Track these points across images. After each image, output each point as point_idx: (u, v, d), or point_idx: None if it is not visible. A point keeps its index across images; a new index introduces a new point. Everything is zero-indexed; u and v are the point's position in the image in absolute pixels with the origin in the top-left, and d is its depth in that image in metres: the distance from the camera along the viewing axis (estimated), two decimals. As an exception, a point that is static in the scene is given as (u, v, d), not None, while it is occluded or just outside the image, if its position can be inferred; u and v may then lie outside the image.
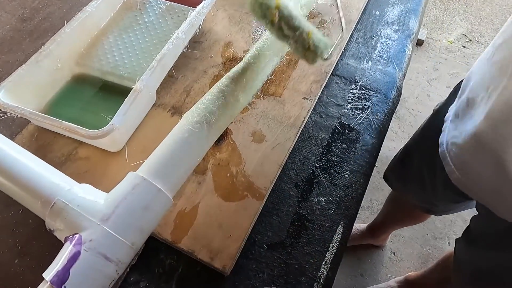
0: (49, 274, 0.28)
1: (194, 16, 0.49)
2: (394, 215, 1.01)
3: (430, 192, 0.65)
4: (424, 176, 0.64)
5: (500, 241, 0.49)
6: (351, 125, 0.50)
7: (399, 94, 0.56)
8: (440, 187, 0.61)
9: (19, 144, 0.37)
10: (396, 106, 0.56)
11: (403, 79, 0.57)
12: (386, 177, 0.81)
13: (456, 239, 0.62)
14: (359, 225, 1.20)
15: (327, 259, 0.40)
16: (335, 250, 0.41)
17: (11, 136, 0.47)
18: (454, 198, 0.62)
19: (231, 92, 0.39)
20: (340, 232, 0.42)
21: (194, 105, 0.38)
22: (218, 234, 0.39)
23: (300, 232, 0.41)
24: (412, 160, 0.68)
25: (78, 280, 0.28)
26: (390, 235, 1.20)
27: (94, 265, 0.29)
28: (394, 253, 1.22)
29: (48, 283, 0.28)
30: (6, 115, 0.42)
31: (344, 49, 0.58)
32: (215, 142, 0.41)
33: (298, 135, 0.48)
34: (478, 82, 0.43)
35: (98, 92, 0.50)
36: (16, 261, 0.39)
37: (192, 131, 0.36)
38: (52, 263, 0.29)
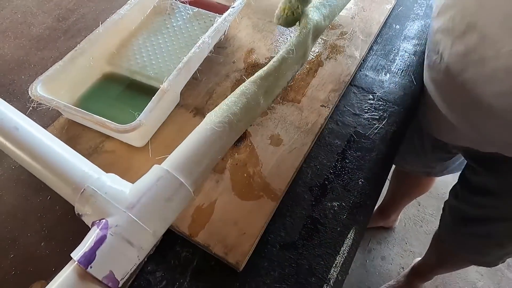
0: (77, 254, 0.30)
1: (220, 23, 0.51)
2: (401, 189, 1.09)
3: (423, 156, 0.75)
4: (415, 143, 0.73)
5: (479, 191, 0.60)
6: (366, 134, 0.51)
7: (416, 107, 0.57)
8: (429, 149, 0.71)
9: (52, 134, 0.40)
10: (413, 118, 0.57)
11: (421, 92, 0.58)
12: None
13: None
14: None
15: (337, 262, 0.41)
16: (345, 254, 0.42)
17: (44, 127, 0.49)
18: (444, 156, 0.73)
19: (253, 95, 0.40)
20: (351, 237, 0.43)
21: (215, 106, 0.40)
22: (233, 231, 0.41)
23: (312, 234, 0.43)
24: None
25: (103, 261, 0.30)
26: (399, 216, 1.25)
27: (119, 249, 0.31)
28: (403, 267, 1.22)
29: (76, 262, 0.30)
30: (41, 106, 0.45)
31: (363, 60, 0.60)
32: (234, 143, 0.43)
33: (314, 141, 0.49)
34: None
35: (126, 90, 0.52)
36: (42, 244, 0.41)
37: (215, 130, 0.37)
38: (79, 245, 0.31)
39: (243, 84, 0.41)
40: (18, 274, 0.39)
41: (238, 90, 0.41)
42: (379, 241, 1.26)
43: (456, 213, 0.69)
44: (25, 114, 0.41)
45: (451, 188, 0.71)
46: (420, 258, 1.09)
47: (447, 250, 0.84)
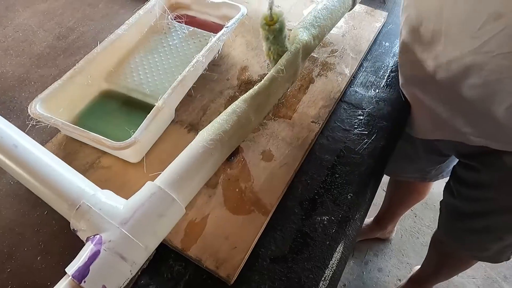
0: (71, 269, 0.31)
1: (214, 42, 0.53)
2: (397, 197, 1.10)
3: (418, 162, 0.77)
4: (408, 151, 0.74)
5: (471, 185, 0.62)
6: (356, 149, 0.53)
7: (404, 121, 0.59)
8: (422, 154, 0.73)
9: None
10: (402, 132, 0.58)
11: (410, 109, 0.60)
12: None
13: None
14: (365, 220, 1.24)
15: (326, 276, 0.42)
16: (334, 267, 0.43)
17: (42, 143, 0.51)
18: (437, 158, 0.74)
19: (244, 113, 0.42)
20: (340, 251, 0.44)
21: (209, 123, 0.42)
22: (225, 245, 0.42)
23: (302, 248, 0.44)
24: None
25: (97, 276, 0.31)
26: (395, 227, 1.27)
27: (112, 264, 0.32)
28: (400, 279, 1.22)
29: (70, 277, 0.31)
30: (40, 124, 0.46)
31: (353, 77, 0.61)
32: (227, 159, 0.44)
33: (305, 156, 0.51)
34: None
35: (123, 107, 0.54)
36: (38, 258, 0.42)
37: (206, 147, 0.39)
38: (74, 260, 0.32)
39: (234, 102, 0.43)
40: (14, 288, 0.40)
41: (229, 109, 0.43)
42: (375, 252, 1.27)
43: (452, 210, 0.70)
44: (24, 131, 0.42)
45: (445, 186, 0.73)
46: (418, 267, 1.09)
47: (446, 252, 0.85)
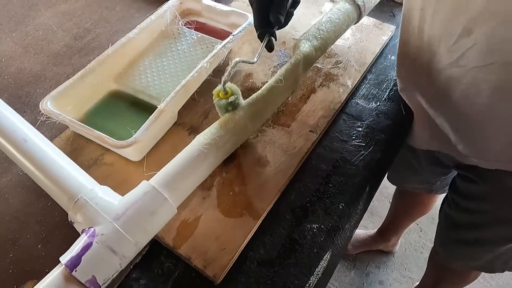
0: (65, 258, 0.34)
1: (219, 49, 0.55)
2: (402, 208, 1.10)
3: (422, 173, 0.77)
4: (411, 162, 0.74)
5: (466, 196, 0.63)
6: (352, 160, 0.53)
7: (403, 135, 0.59)
8: (425, 165, 0.73)
9: (56, 146, 0.44)
10: (400, 148, 0.59)
11: (411, 123, 0.60)
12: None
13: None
14: (369, 231, 1.26)
15: (311, 282, 0.43)
16: (319, 275, 0.44)
17: (51, 138, 0.54)
18: (440, 170, 0.74)
19: (240, 120, 0.44)
20: (327, 259, 0.45)
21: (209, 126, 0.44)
22: (214, 245, 0.43)
23: (289, 254, 0.45)
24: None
25: (87, 266, 0.33)
26: (399, 240, 1.25)
27: (102, 256, 0.34)
28: (400, 294, 1.20)
29: (63, 265, 0.33)
30: (50, 119, 0.49)
31: (356, 89, 0.62)
32: (223, 162, 0.46)
33: (300, 164, 0.52)
34: None
35: (129, 107, 0.56)
36: (39, 246, 0.45)
37: (201, 151, 0.41)
38: (68, 250, 0.35)
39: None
40: (15, 273, 0.43)
41: (226, 115, 0.44)
42: (377, 265, 1.26)
43: (448, 220, 0.71)
44: (36, 125, 0.45)
45: (444, 197, 0.73)
46: (418, 283, 1.08)
47: (443, 265, 0.85)
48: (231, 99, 0.44)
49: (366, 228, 1.34)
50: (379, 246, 1.26)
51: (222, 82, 0.44)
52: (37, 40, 0.70)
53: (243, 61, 0.46)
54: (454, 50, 0.42)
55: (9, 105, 0.46)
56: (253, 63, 0.47)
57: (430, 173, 0.78)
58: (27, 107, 0.59)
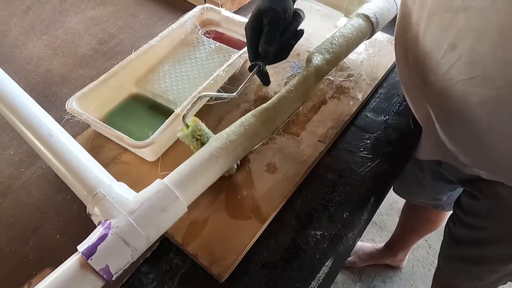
0: (82, 247, 0.36)
1: (235, 59, 0.58)
2: (410, 223, 1.10)
3: (427, 187, 0.78)
4: (417, 175, 0.76)
5: (469, 212, 0.63)
6: (358, 171, 0.55)
7: (411, 149, 0.60)
8: (429, 179, 0.73)
9: (78, 143, 0.47)
10: (406, 161, 0.60)
11: (418, 138, 0.61)
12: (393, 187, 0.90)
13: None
14: (376, 245, 1.26)
15: (312, 287, 0.44)
16: (320, 280, 0.45)
17: (74, 135, 0.57)
18: (445, 185, 0.74)
19: (251, 127, 0.46)
20: (328, 266, 0.46)
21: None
22: (221, 245, 0.45)
23: (292, 258, 0.46)
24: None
25: (102, 256, 0.35)
26: (407, 256, 1.24)
27: (116, 247, 0.36)
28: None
29: (80, 253, 0.36)
30: (74, 118, 0.53)
31: (366, 102, 0.64)
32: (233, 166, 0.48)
33: (307, 173, 0.53)
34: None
35: (147, 110, 0.59)
36: (57, 236, 0.48)
37: (213, 154, 0.43)
38: (85, 240, 0.37)
39: (244, 116, 0.47)
40: (33, 260, 0.46)
41: (238, 121, 0.47)
42: (384, 279, 1.25)
43: (451, 236, 0.71)
44: (60, 123, 0.49)
45: (451, 213, 0.73)
46: None
47: (446, 282, 0.84)
48: (190, 130, 0.46)
49: (374, 241, 1.33)
50: (386, 261, 1.25)
51: (181, 117, 0.46)
52: (65, 43, 0.74)
53: (215, 98, 0.47)
54: (442, 64, 0.44)
55: (37, 103, 0.50)
56: (226, 99, 0.47)
57: (436, 188, 0.79)
58: (53, 105, 0.63)
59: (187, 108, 0.45)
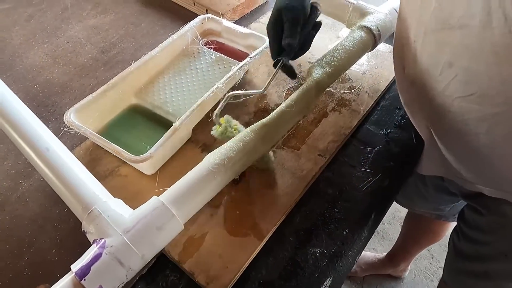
0: (76, 266, 0.36)
1: (235, 71, 0.57)
2: (412, 234, 1.08)
3: (430, 199, 0.77)
4: (418, 185, 0.75)
5: (473, 226, 0.62)
6: (359, 187, 0.54)
7: (413, 163, 0.59)
8: (432, 191, 0.73)
9: (76, 155, 0.47)
10: (408, 176, 0.59)
11: (420, 152, 0.60)
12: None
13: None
14: (378, 254, 1.24)
15: (310, 307, 0.43)
16: (319, 300, 0.44)
17: (72, 146, 0.57)
18: (447, 197, 0.74)
19: (250, 142, 0.45)
20: (327, 285, 0.45)
21: (221, 145, 0.45)
22: (218, 263, 0.45)
23: (291, 276, 0.45)
24: None
25: (96, 276, 0.35)
26: (409, 266, 1.22)
27: (110, 267, 0.36)
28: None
29: (73, 273, 0.35)
30: (72, 131, 0.52)
31: (367, 114, 0.63)
32: (232, 182, 0.47)
33: (307, 188, 0.53)
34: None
35: (147, 122, 0.59)
36: (53, 251, 0.47)
37: (210, 170, 0.42)
38: (79, 259, 0.37)
39: (242, 131, 0.46)
40: (28, 275, 0.45)
41: (237, 136, 0.46)
42: (385, 290, 1.23)
43: (455, 250, 0.70)
44: (59, 135, 0.48)
45: (454, 226, 0.72)
46: None
47: None
48: (223, 127, 0.49)
49: (376, 251, 1.32)
50: (387, 271, 1.23)
51: (214, 115, 0.49)
52: (66, 52, 0.74)
53: (244, 95, 0.50)
54: (440, 80, 0.44)
55: (36, 113, 0.49)
56: (253, 94, 0.50)
57: (439, 200, 0.78)
58: (52, 116, 0.63)
59: (219, 107, 0.49)
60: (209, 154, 0.45)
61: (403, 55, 0.51)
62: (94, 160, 0.55)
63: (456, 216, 0.82)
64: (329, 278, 0.45)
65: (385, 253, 1.23)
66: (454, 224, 0.84)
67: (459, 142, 0.49)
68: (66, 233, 0.49)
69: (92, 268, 0.35)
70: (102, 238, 0.37)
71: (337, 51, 0.56)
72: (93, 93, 0.55)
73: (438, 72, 0.44)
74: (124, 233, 0.37)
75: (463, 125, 0.45)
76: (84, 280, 0.35)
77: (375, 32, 0.59)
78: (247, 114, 0.61)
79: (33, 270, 0.46)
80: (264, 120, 0.48)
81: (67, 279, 0.35)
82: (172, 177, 0.52)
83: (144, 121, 0.59)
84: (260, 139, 0.47)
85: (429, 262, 1.29)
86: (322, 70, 0.53)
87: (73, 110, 0.52)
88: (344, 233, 0.49)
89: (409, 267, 1.24)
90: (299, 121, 0.59)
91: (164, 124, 0.57)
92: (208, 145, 0.57)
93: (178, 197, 0.40)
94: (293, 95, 0.50)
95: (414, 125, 0.58)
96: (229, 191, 0.51)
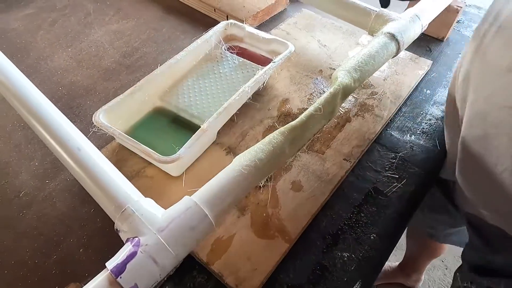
0: (111, 264, 0.36)
1: (260, 75, 0.58)
2: (412, 248, 1.08)
3: (425, 214, 0.77)
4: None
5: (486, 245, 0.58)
6: (384, 192, 0.54)
7: (437, 171, 0.59)
8: (426, 209, 0.73)
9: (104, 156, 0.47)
10: (434, 182, 0.58)
11: (444, 158, 0.60)
12: None
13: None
14: (390, 263, 1.23)
15: (339, 311, 0.43)
16: (348, 305, 0.44)
17: (99, 148, 0.57)
18: (444, 218, 0.74)
19: (279, 145, 0.45)
20: (356, 289, 0.45)
21: (246, 147, 0.46)
22: (246, 265, 0.44)
23: (319, 280, 0.45)
24: None
25: (131, 274, 0.35)
26: (423, 276, 1.20)
27: (145, 266, 0.36)
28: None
29: (109, 271, 0.35)
30: (100, 131, 0.53)
31: (390, 120, 0.63)
32: (258, 185, 0.47)
33: (333, 192, 0.53)
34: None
35: (171, 124, 0.59)
36: (80, 250, 0.47)
37: (241, 172, 0.42)
38: (114, 257, 0.37)
39: (272, 133, 0.46)
40: (57, 274, 0.45)
41: (266, 139, 0.46)
42: (398, 300, 1.21)
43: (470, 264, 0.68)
44: (86, 135, 0.49)
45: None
46: None
47: None
48: None
49: (388, 260, 1.30)
50: (400, 280, 1.22)
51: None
52: (90, 56, 0.75)
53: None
54: (492, 85, 0.43)
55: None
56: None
57: (432, 216, 0.77)
58: (77, 117, 0.64)
59: None
60: (239, 155, 0.45)
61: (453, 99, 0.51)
62: (120, 161, 0.55)
63: (449, 239, 0.82)
64: (358, 283, 0.45)
65: (397, 263, 1.22)
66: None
67: (482, 166, 0.46)
68: (93, 233, 0.49)
69: (127, 266, 0.35)
70: (136, 237, 0.38)
71: (362, 57, 0.56)
72: (121, 94, 0.56)
73: (492, 77, 0.42)
74: (159, 232, 0.37)
75: (493, 139, 0.43)
76: (120, 277, 0.34)
77: (399, 38, 0.59)
78: (270, 118, 0.61)
79: (61, 269, 0.46)
80: (293, 122, 0.48)
81: (102, 276, 0.35)
82: (199, 178, 0.52)
83: (168, 123, 0.60)
84: (289, 142, 0.47)
85: (443, 273, 1.28)
86: (349, 75, 0.53)
87: (102, 111, 0.53)
88: (372, 237, 0.49)
89: (422, 277, 1.22)
90: (324, 126, 0.59)
91: (188, 126, 0.58)
92: (233, 148, 0.57)
93: (210, 198, 0.41)
94: (321, 99, 0.50)
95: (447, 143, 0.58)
96: (255, 193, 0.51)
